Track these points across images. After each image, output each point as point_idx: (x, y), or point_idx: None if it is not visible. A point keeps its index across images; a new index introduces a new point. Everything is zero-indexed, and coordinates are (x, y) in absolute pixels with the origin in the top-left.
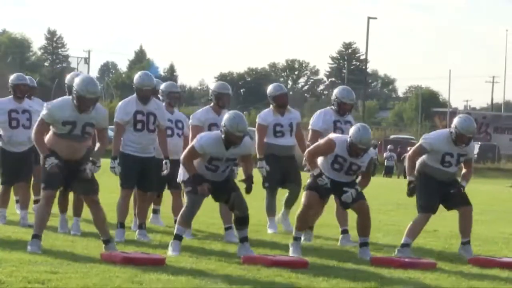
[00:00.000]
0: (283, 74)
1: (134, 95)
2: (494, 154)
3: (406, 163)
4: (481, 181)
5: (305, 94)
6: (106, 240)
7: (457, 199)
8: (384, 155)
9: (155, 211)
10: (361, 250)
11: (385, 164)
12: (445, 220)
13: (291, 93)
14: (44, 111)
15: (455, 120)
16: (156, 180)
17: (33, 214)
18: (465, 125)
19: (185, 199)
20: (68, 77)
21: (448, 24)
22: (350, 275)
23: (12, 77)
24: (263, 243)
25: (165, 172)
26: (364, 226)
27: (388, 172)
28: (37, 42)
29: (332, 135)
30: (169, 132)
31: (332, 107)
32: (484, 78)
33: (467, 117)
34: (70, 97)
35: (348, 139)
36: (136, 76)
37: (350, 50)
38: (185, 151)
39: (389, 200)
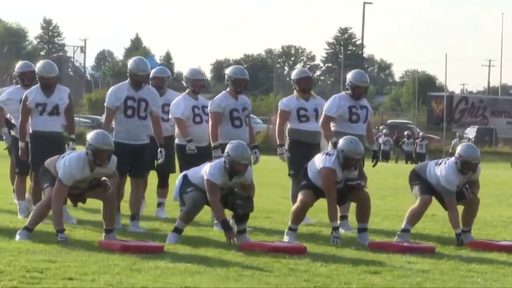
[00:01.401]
0: (279, 60)
1: (127, 80)
2: (492, 137)
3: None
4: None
5: None
6: (109, 230)
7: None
8: (380, 139)
9: (160, 204)
10: (360, 235)
11: (381, 148)
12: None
13: (287, 79)
14: None
15: (459, 149)
16: (149, 164)
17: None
18: (470, 152)
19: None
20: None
21: (444, 7)
22: (348, 260)
23: (18, 65)
24: (261, 230)
25: (160, 161)
26: (363, 213)
27: (385, 156)
28: (33, 32)
29: (325, 165)
30: (198, 119)
31: (347, 91)
32: (480, 61)
33: (470, 145)
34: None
35: (341, 153)
36: (131, 61)
37: (346, 36)
38: (208, 191)
39: (386, 185)
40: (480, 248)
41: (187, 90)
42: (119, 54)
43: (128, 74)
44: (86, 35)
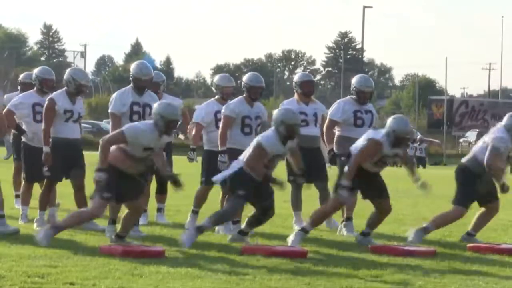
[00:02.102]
0: (279, 64)
1: (129, 86)
2: None
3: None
4: None
5: None
6: (122, 236)
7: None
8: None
9: (159, 210)
10: (365, 238)
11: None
12: (443, 209)
13: (287, 83)
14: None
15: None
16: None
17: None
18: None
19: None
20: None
21: (444, 11)
22: (349, 263)
23: (38, 70)
24: (262, 233)
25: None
26: (377, 222)
27: None
28: (33, 37)
29: (373, 136)
30: (220, 125)
31: (352, 96)
32: (480, 65)
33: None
34: None
35: (391, 131)
36: (133, 66)
37: (346, 40)
38: (252, 155)
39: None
40: (481, 251)
41: (216, 96)
42: (119, 59)
43: (131, 79)
44: (86, 41)
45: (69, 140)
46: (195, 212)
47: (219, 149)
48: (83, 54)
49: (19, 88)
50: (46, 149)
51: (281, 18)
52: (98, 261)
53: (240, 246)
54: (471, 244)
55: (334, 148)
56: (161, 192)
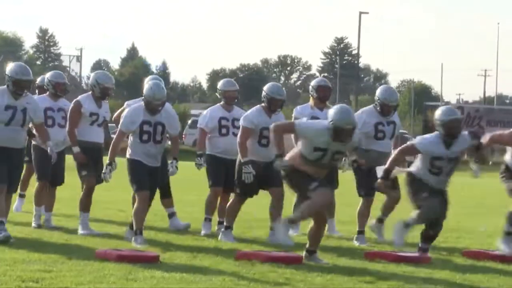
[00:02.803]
0: (275, 70)
1: (142, 103)
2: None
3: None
4: None
5: (298, 90)
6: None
7: None
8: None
9: (171, 215)
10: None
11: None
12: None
13: (283, 88)
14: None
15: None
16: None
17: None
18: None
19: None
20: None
21: (440, 17)
22: (344, 270)
23: (51, 75)
24: (257, 239)
25: (171, 172)
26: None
27: None
28: (29, 41)
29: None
30: (224, 131)
31: (375, 106)
32: (476, 71)
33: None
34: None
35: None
36: (147, 87)
37: (342, 45)
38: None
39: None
40: (475, 258)
41: (221, 102)
42: (115, 64)
43: (143, 99)
44: (82, 45)
45: (93, 144)
46: (208, 220)
47: (242, 160)
48: (79, 58)
49: (36, 92)
50: (76, 149)
51: (277, 23)
52: (93, 265)
53: (234, 251)
54: (466, 250)
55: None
56: (165, 196)
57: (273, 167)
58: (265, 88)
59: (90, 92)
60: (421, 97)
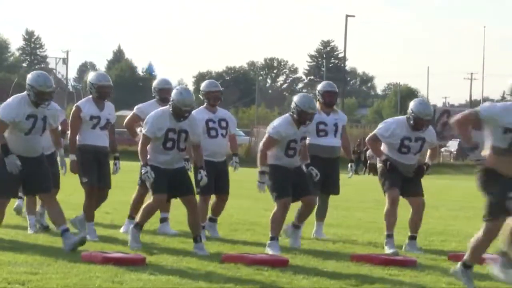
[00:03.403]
0: (262, 72)
1: (168, 107)
2: None
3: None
4: (461, 177)
5: (284, 93)
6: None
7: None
8: (368, 153)
9: (163, 220)
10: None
11: (369, 162)
12: (424, 217)
13: (270, 91)
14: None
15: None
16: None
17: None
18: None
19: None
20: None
21: (426, 20)
22: (330, 272)
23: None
24: (243, 242)
25: (202, 181)
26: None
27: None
28: (15, 43)
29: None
30: (213, 133)
31: (409, 118)
32: (462, 74)
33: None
34: None
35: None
36: (176, 92)
37: (328, 48)
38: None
39: (369, 197)
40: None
41: (204, 104)
42: (101, 66)
43: (171, 104)
44: (68, 47)
45: (97, 148)
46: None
47: (259, 170)
48: (65, 61)
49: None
50: (72, 157)
51: (264, 26)
52: (79, 268)
53: (220, 254)
54: (452, 253)
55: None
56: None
57: (305, 175)
58: (296, 100)
59: (90, 96)
60: (407, 100)
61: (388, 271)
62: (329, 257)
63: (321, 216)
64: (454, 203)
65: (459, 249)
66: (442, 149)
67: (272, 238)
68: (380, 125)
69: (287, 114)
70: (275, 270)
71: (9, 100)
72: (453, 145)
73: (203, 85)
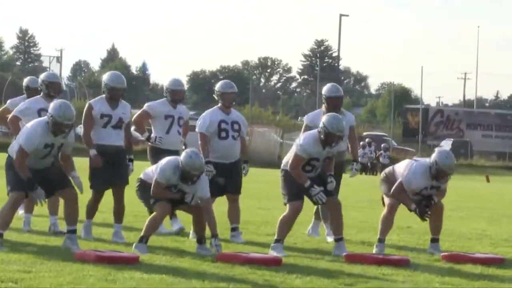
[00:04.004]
0: (255, 72)
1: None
2: (467, 150)
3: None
4: (454, 177)
5: (278, 92)
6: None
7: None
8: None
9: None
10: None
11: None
12: (416, 217)
13: (263, 90)
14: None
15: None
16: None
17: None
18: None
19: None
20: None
21: (420, 20)
22: (324, 272)
23: (45, 75)
24: (236, 241)
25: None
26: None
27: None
28: (9, 42)
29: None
30: (223, 134)
31: (431, 169)
32: (456, 74)
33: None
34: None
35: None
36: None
37: (322, 48)
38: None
39: (362, 197)
40: (455, 260)
41: (219, 104)
42: (95, 65)
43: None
44: (62, 45)
45: (110, 147)
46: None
47: (305, 185)
48: (59, 59)
49: (24, 93)
50: (92, 152)
51: (258, 25)
52: (72, 266)
53: (214, 253)
54: (445, 253)
55: None
56: None
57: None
58: (325, 120)
59: (104, 95)
60: (401, 100)
61: (381, 271)
62: (323, 257)
63: (323, 217)
64: (448, 203)
65: (452, 248)
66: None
67: (277, 241)
68: (403, 172)
69: (315, 131)
70: (268, 269)
71: (33, 129)
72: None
73: (218, 85)
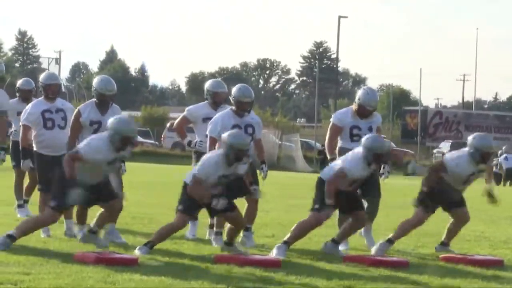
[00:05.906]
0: (254, 73)
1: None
2: None
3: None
4: None
5: (277, 93)
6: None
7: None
8: None
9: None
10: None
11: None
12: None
13: (262, 92)
14: None
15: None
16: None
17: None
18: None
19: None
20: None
21: (419, 22)
22: (322, 273)
23: (44, 76)
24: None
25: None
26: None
27: None
28: (8, 43)
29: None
30: None
31: (476, 156)
32: (455, 76)
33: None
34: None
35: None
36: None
37: (321, 49)
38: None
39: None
40: (454, 262)
41: (231, 107)
42: (94, 66)
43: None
44: (61, 47)
45: None
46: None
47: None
48: (57, 61)
49: (17, 95)
50: None
51: (256, 27)
52: (72, 268)
53: (212, 254)
54: (444, 255)
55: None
56: None
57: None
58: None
59: (94, 99)
60: (400, 101)
61: (380, 272)
62: (322, 258)
63: (339, 224)
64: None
65: (451, 249)
66: (435, 151)
67: (285, 242)
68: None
69: (360, 150)
70: (267, 270)
71: (99, 145)
72: (445, 146)
73: (234, 90)
